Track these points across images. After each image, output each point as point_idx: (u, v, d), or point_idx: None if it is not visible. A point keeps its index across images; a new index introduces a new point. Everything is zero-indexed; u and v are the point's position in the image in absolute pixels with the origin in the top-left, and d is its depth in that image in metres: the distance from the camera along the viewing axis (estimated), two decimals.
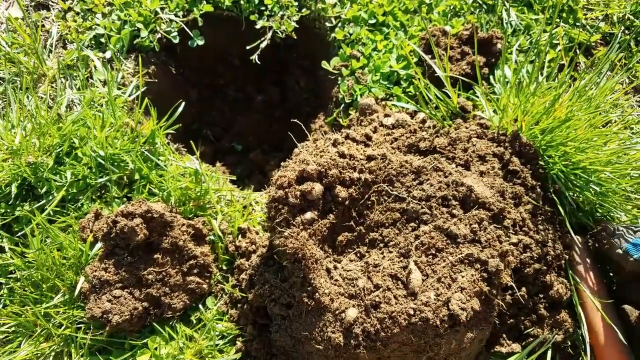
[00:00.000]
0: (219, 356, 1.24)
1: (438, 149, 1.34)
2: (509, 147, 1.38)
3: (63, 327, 1.23)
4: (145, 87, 1.62)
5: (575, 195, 1.40)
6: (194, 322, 1.28)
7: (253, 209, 1.51)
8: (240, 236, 1.42)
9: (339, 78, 1.66)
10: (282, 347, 1.22)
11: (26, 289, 1.28)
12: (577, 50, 1.87)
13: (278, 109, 2.19)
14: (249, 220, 1.46)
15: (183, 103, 1.51)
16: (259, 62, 1.74)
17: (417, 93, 1.55)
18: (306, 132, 1.47)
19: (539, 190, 1.36)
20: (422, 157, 1.32)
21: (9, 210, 1.37)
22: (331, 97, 1.74)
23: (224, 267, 1.37)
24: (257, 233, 1.43)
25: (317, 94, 2.00)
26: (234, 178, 1.59)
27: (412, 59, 1.62)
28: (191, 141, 1.41)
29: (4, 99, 1.62)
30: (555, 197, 1.37)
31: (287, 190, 1.18)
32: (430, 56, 1.59)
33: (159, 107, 1.49)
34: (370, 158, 1.27)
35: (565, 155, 1.39)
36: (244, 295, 1.29)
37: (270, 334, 1.23)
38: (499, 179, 1.28)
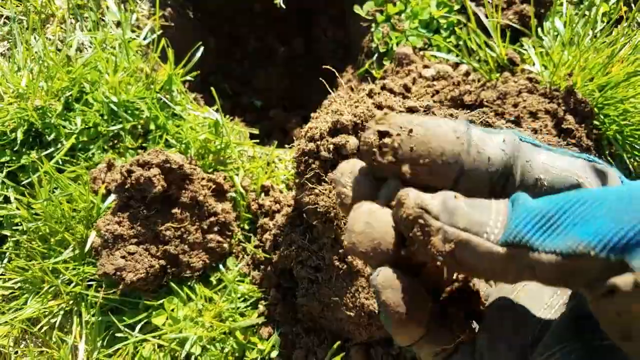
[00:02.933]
0: (240, 319, 1.15)
1: (485, 104, 1.21)
2: (562, 104, 1.24)
3: (73, 284, 1.14)
4: (160, 31, 1.49)
5: (633, 158, 1.27)
6: (214, 283, 1.19)
7: (276, 167, 1.39)
8: (263, 194, 1.31)
9: (373, 25, 1.52)
10: (309, 312, 1.13)
11: (33, 242, 1.18)
12: (633, 5, 1.70)
13: (302, 62, 2.04)
14: (272, 178, 1.35)
15: (202, 48, 1.38)
16: (283, 7, 1.60)
17: (460, 43, 1.41)
18: (331, 88, 1.34)
19: (594, 152, 1.23)
20: (469, 111, 1.19)
21: (14, 158, 1.27)
22: (362, 47, 1.60)
23: (246, 227, 1.27)
24: (280, 192, 1.32)
25: (345, 46, 1.85)
26: (256, 132, 1.47)
27: (454, 5, 1.47)
28: (212, 88, 1.29)
29: (10, 39, 1.50)
30: (611, 160, 1.24)
31: (318, 142, 1.07)
32: (474, 3, 1.44)
33: (174, 55, 1.36)
34: (410, 110, 1.15)
35: (624, 114, 1.25)
36: (268, 256, 1.19)
37: (296, 298, 1.14)
38: (554, 138, 1.15)
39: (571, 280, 0.37)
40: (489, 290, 0.51)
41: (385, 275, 0.43)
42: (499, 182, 0.48)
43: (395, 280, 0.43)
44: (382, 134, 0.44)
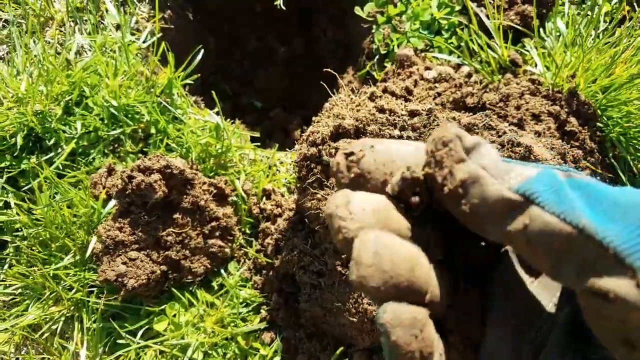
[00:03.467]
0: (242, 325, 1.14)
1: (488, 106, 1.20)
2: (565, 106, 1.24)
3: (74, 291, 1.13)
4: (160, 34, 1.48)
5: (637, 161, 1.26)
6: (216, 288, 1.18)
7: (277, 170, 1.38)
8: (264, 198, 1.30)
9: (374, 26, 1.51)
10: (312, 317, 1.12)
11: (34, 248, 1.18)
12: (636, 5, 1.69)
13: (302, 62, 2.03)
14: (273, 182, 1.34)
15: (202, 50, 1.37)
16: (283, 8, 1.59)
17: (462, 44, 1.40)
18: (332, 90, 1.34)
19: (597, 154, 1.22)
20: (471, 114, 1.18)
21: (14, 163, 1.26)
22: (362, 48, 1.59)
23: (247, 231, 1.26)
24: (282, 195, 1.31)
25: (346, 46, 1.84)
26: (257, 135, 1.46)
27: (455, 6, 1.46)
28: (213, 92, 1.28)
29: (9, 43, 1.49)
30: (614, 163, 1.23)
31: (320, 147, 1.06)
32: (475, 4, 1.43)
33: (174, 57, 1.35)
34: (413, 114, 1.14)
35: (628, 116, 1.24)
36: (269, 261, 1.19)
37: (298, 303, 1.13)
38: (557, 141, 1.14)
39: (564, 258, 0.36)
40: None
41: (394, 312, 0.40)
42: None
43: (407, 317, 0.41)
44: (348, 155, 0.47)
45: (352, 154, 0.47)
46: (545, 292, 0.48)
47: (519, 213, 0.38)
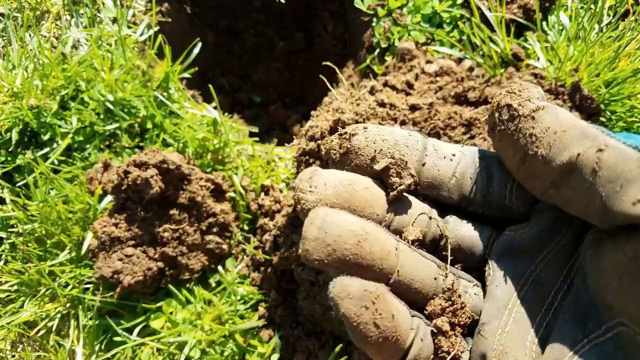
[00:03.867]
0: (240, 322, 1.13)
1: (490, 100, 1.18)
2: (568, 100, 1.22)
3: (69, 287, 1.12)
4: (157, 28, 1.46)
5: None
6: (213, 285, 1.17)
7: (276, 165, 1.37)
8: (263, 194, 1.28)
9: (374, 19, 1.49)
10: (310, 314, 1.10)
11: (29, 244, 1.16)
12: None
13: (301, 56, 2.01)
14: (272, 177, 1.32)
15: (200, 43, 1.35)
16: (282, 1, 1.56)
17: (464, 38, 1.38)
18: (331, 84, 1.32)
19: None
20: (473, 108, 1.16)
21: (9, 158, 1.24)
22: (363, 42, 1.57)
23: (245, 227, 1.25)
24: (281, 191, 1.29)
25: (346, 41, 1.82)
26: (256, 130, 1.44)
27: None
28: (210, 85, 1.26)
29: (4, 37, 1.47)
30: None
31: (319, 142, 1.04)
32: None
33: (172, 51, 1.33)
34: (413, 108, 1.12)
35: (631, 110, 1.22)
36: (268, 257, 1.17)
37: (297, 301, 1.12)
38: None
39: (625, 184, 0.36)
40: (475, 304, 0.48)
41: (342, 284, 0.39)
42: (461, 180, 0.50)
43: (355, 288, 0.39)
44: (342, 134, 0.48)
45: (345, 133, 0.47)
46: (543, 279, 0.47)
47: (592, 139, 0.39)
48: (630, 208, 0.35)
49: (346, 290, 0.39)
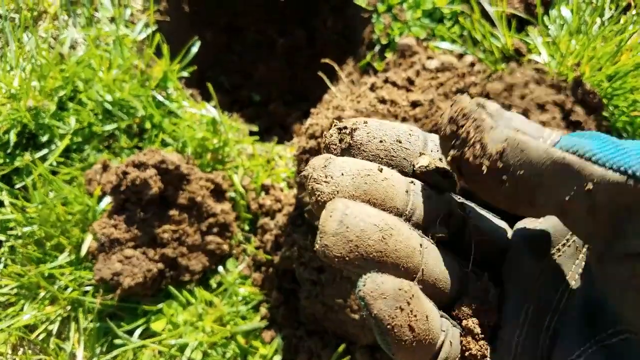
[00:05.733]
0: (242, 323, 1.12)
1: (492, 96, 1.17)
2: (570, 95, 1.20)
3: (69, 290, 1.11)
4: (155, 27, 1.45)
5: None
6: (214, 286, 1.16)
7: (276, 164, 1.35)
8: (263, 193, 1.27)
9: (374, 15, 1.47)
10: (312, 315, 1.10)
11: (28, 247, 1.15)
12: None
13: (302, 54, 1.99)
14: (272, 176, 1.31)
15: (199, 42, 1.34)
16: None
17: (465, 33, 1.37)
18: (332, 82, 1.30)
19: None
20: None
21: (8, 160, 1.23)
22: (363, 38, 1.56)
23: (246, 227, 1.24)
24: (281, 190, 1.28)
25: (346, 37, 1.80)
26: (256, 129, 1.43)
27: None
28: (209, 84, 1.25)
29: (1, 38, 1.46)
30: None
31: (319, 140, 1.03)
32: None
33: (170, 50, 1.32)
34: (415, 104, 1.11)
35: (634, 104, 1.21)
36: (269, 257, 1.16)
37: (299, 301, 1.11)
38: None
39: (633, 217, 0.32)
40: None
41: (375, 282, 0.36)
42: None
43: (389, 287, 0.36)
44: (341, 129, 0.45)
45: (345, 127, 0.45)
46: (556, 276, 0.45)
47: (576, 176, 0.34)
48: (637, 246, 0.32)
49: (379, 289, 0.36)
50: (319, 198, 0.40)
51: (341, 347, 1.05)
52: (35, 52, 1.33)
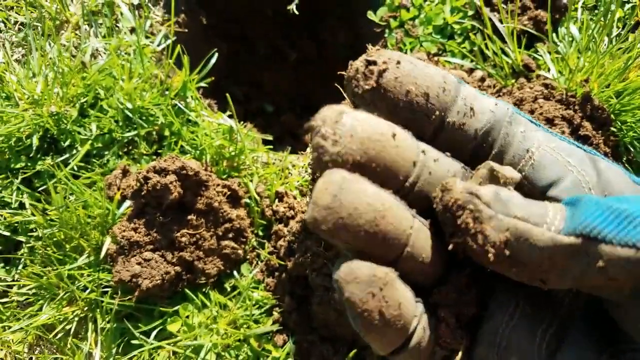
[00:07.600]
0: (255, 326, 1.14)
1: None
2: (579, 110, 1.23)
3: (88, 291, 1.14)
4: (174, 38, 1.49)
5: None
6: (228, 289, 1.19)
7: (290, 173, 1.39)
8: (277, 200, 1.30)
9: (386, 30, 1.51)
10: (324, 320, 1.12)
11: (48, 248, 1.18)
12: None
13: (313, 66, 2.04)
14: (286, 184, 1.34)
15: (217, 54, 1.38)
16: (296, 12, 1.60)
17: (475, 49, 1.40)
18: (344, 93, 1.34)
19: (611, 158, 1.22)
20: None
21: (29, 164, 1.27)
22: None
23: (260, 233, 1.26)
24: (295, 198, 1.31)
25: (357, 50, 1.85)
26: (270, 138, 1.47)
27: (468, 11, 1.46)
28: (227, 94, 1.28)
29: (25, 46, 1.51)
30: (628, 167, 1.23)
31: None
32: (489, 9, 1.43)
33: (188, 61, 1.36)
34: None
35: None
36: (282, 263, 1.19)
37: (311, 306, 1.13)
38: None
39: None
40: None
41: (350, 267, 0.36)
42: (482, 142, 0.43)
43: (363, 272, 0.36)
44: (370, 63, 0.41)
45: (374, 63, 0.41)
46: None
47: (585, 255, 0.34)
48: None
49: (353, 274, 0.36)
50: (322, 157, 0.38)
51: (352, 353, 1.07)
52: (58, 59, 1.37)
